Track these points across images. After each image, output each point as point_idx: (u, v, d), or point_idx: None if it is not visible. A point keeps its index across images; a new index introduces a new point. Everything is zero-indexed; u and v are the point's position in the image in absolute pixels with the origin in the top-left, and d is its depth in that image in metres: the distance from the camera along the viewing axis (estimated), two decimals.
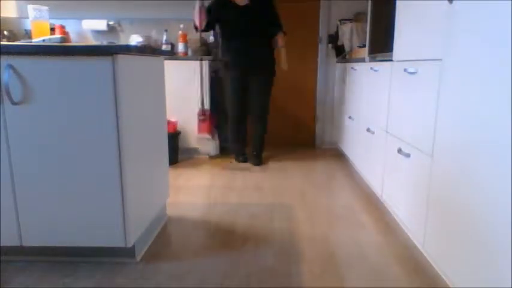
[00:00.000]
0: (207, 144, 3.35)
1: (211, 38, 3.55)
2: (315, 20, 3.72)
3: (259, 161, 3.18)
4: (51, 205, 1.46)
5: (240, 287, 1.42)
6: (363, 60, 2.61)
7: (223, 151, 3.55)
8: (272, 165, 3.18)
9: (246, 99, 3.15)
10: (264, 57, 3.06)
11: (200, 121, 3.23)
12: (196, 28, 3.01)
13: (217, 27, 3.21)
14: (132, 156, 1.50)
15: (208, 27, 3.05)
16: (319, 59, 3.78)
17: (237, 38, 2.98)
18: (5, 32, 3.47)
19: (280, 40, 3.02)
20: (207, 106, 3.26)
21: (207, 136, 3.25)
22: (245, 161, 3.25)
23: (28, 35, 3.51)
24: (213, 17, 2.99)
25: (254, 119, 3.18)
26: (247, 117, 3.25)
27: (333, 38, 3.65)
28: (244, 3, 2.93)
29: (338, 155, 3.53)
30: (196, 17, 2.93)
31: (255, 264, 1.58)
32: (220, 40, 3.15)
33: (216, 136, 3.44)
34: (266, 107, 3.15)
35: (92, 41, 3.68)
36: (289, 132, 3.95)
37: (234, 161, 3.28)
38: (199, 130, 3.24)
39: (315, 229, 1.92)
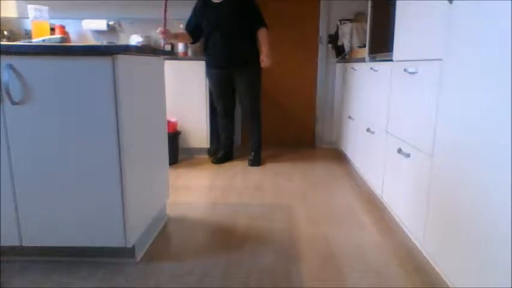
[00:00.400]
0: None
1: None
2: (315, 20, 3.72)
3: (257, 162, 3.17)
4: (51, 205, 1.46)
5: (240, 287, 1.42)
6: (363, 60, 2.61)
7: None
8: (272, 165, 3.18)
9: (230, 97, 3.15)
10: (244, 55, 2.99)
11: None
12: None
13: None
14: (132, 156, 1.50)
15: (193, 34, 3.07)
16: (319, 59, 3.79)
17: (215, 36, 2.94)
18: (5, 32, 3.47)
19: (262, 35, 2.99)
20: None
21: None
22: (216, 162, 3.21)
23: (28, 35, 3.51)
24: (194, 21, 3.02)
25: (247, 118, 3.17)
26: (232, 116, 3.25)
27: (333, 38, 3.65)
28: (219, 0, 2.89)
29: (338, 155, 3.53)
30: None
31: (255, 264, 1.58)
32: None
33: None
34: (256, 105, 3.12)
35: (92, 41, 3.68)
36: (289, 132, 3.96)
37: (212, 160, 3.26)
38: None
39: (315, 229, 1.92)
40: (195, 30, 3.06)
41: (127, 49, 1.40)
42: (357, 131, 2.73)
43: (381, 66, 2.13)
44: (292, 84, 3.86)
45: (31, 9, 1.68)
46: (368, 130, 2.36)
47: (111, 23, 3.61)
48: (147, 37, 3.47)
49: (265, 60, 2.99)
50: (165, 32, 2.86)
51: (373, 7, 2.44)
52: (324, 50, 3.76)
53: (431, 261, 1.45)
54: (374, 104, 2.26)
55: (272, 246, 1.73)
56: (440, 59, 1.35)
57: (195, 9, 3.04)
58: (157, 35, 3.48)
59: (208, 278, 1.48)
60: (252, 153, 3.20)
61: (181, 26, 3.38)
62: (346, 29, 3.35)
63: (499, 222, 0.99)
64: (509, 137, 0.95)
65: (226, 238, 1.82)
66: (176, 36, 3.03)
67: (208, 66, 3.08)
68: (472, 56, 1.14)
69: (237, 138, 3.87)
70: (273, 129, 3.95)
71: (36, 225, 1.48)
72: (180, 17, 3.41)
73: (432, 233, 1.40)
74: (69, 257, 1.59)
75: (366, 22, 2.99)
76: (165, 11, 2.83)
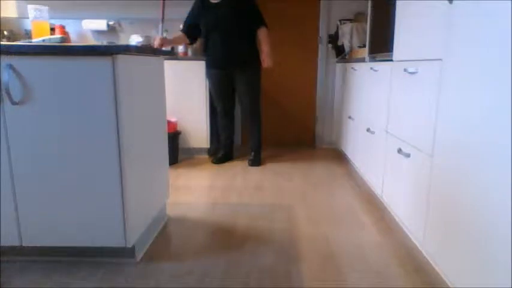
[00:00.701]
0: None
1: None
2: (315, 20, 3.72)
3: (257, 162, 3.17)
4: (51, 205, 1.46)
5: (240, 287, 1.42)
6: (363, 60, 2.61)
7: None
8: (272, 165, 3.18)
9: (230, 97, 3.16)
10: (243, 55, 2.98)
11: None
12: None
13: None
14: (132, 156, 1.50)
15: (189, 34, 3.07)
16: (319, 59, 3.79)
17: (214, 36, 2.93)
18: (5, 32, 3.47)
19: (262, 35, 2.98)
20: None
21: None
22: (216, 162, 3.21)
23: (28, 35, 3.51)
24: (191, 21, 3.02)
25: (247, 118, 3.17)
26: (232, 116, 3.25)
27: (333, 38, 3.65)
28: (217, 0, 2.90)
29: (338, 155, 3.53)
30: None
31: (255, 264, 1.58)
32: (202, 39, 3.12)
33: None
34: (256, 105, 3.12)
35: (92, 41, 3.68)
36: (289, 132, 3.96)
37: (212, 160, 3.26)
38: None
39: (315, 229, 1.92)
40: (192, 31, 3.05)
41: (127, 49, 1.40)
42: (357, 131, 2.73)
43: (381, 66, 2.13)
44: (292, 84, 3.86)
45: (31, 9, 1.68)
46: (368, 130, 2.36)
47: (111, 23, 3.61)
48: (147, 37, 3.46)
49: (266, 60, 2.98)
50: (162, 41, 2.90)
51: (373, 7, 2.44)
52: (324, 50, 3.76)
53: (431, 261, 1.45)
54: (374, 104, 2.26)
55: (272, 246, 1.73)
56: (440, 59, 1.35)
57: (193, 9, 3.04)
58: (157, 35, 3.50)
59: (208, 278, 1.48)
60: (252, 153, 3.20)
61: (181, 26, 3.38)
62: (346, 29, 3.35)
63: (499, 222, 0.99)
64: (509, 137, 0.95)
65: (226, 238, 1.82)
66: (173, 41, 3.07)
67: (208, 67, 3.08)
68: (472, 56, 1.14)
69: (237, 138, 3.88)
70: (273, 129, 3.95)
71: (36, 225, 1.48)
72: (179, 16, 3.41)
73: (432, 233, 1.40)
74: (69, 257, 1.59)
75: (366, 22, 2.99)
76: (163, 19, 2.84)
